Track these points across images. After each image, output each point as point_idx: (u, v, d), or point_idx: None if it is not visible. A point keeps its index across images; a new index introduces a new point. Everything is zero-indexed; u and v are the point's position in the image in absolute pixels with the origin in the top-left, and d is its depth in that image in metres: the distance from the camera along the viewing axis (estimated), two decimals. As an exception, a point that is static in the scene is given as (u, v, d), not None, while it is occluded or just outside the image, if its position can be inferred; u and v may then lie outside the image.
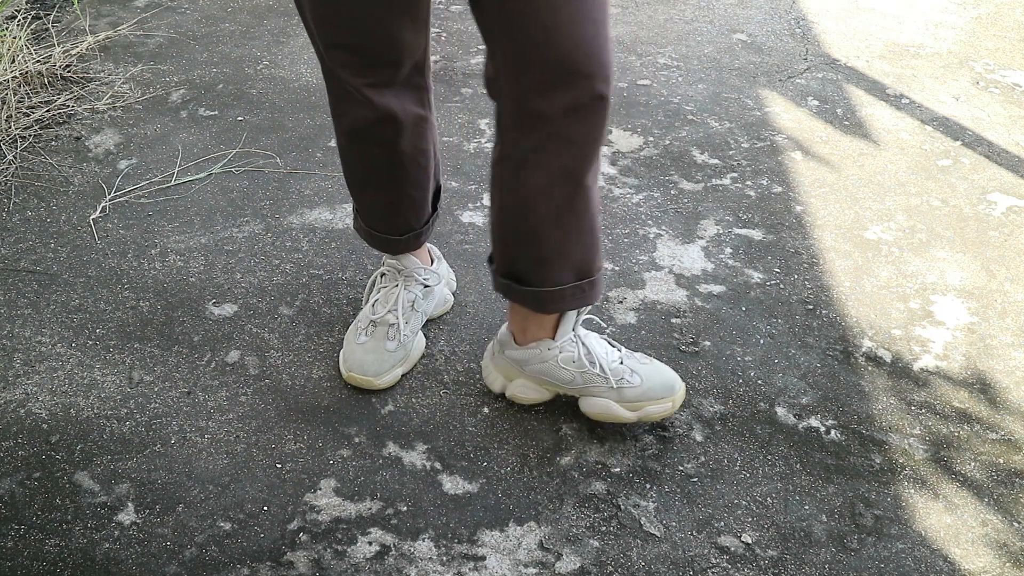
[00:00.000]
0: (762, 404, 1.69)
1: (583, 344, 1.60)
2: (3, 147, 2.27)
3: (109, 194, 2.14)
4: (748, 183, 2.24)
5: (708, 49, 2.79)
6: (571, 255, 1.49)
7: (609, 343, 1.64)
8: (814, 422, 1.66)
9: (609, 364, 1.59)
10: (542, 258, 1.50)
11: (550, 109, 1.33)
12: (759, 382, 1.73)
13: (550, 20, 1.26)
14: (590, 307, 1.64)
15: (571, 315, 1.60)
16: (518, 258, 1.53)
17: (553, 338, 1.60)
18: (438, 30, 2.81)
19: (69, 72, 2.55)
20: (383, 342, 1.68)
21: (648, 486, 1.55)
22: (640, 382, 1.59)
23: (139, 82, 2.54)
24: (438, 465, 1.58)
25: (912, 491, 1.55)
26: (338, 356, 1.74)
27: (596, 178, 1.45)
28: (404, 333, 1.69)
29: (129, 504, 1.50)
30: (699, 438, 1.63)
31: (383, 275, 1.75)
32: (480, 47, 2.75)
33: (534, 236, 1.47)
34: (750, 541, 1.47)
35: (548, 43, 1.27)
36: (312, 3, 1.40)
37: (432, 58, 2.68)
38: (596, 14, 1.29)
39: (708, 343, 1.81)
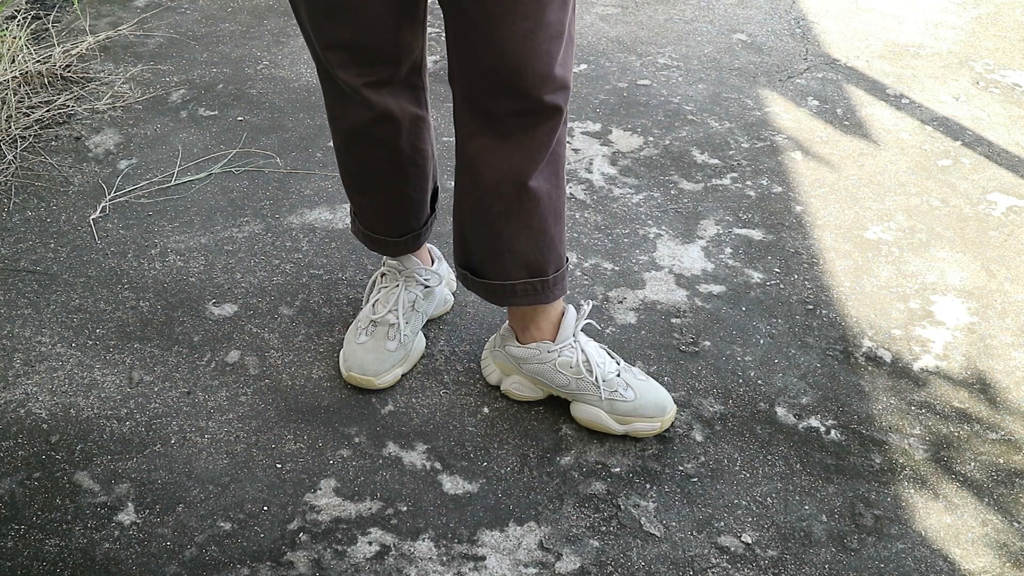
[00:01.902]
0: (762, 404, 1.69)
1: (582, 351, 1.61)
2: (3, 147, 2.27)
3: (109, 194, 2.14)
4: (748, 183, 2.24)
5: (708, 49, 2.79)
6: (521, 252, 1.54)
7: (609, 354, 1.65)
8: (814, 422, 1.66)
9: (605, 375, 1.60)
10: (493, 251, 1.55)
11: (498, 111, 1.41)
12: (759, 382, 1.73)
13: (505, 33, 1.32)
14: (587, 312, 1.65)
15: (570, 320, 1.62)
16: (472, 250, 1.58)
17: (552, 341, 1.61)
18: (438, 30, 2.81)
19: (69, 72, 2.55)
20: (383, 342, 1.68)
21: (648, 486, 1.55)
22: (633, 397, 1.60)
23: (139, 82, 2.54)
24: (438, 465, 1.58)
25: (912, 491, 1.55)
26: (338, 356, 1.74)
27: (555, 182, 1.50)
28: (404, 333, 1.69)
29: (129, 504, 1.50)
30: (699, 438, 1.63)
31: (383, 275, 1.75)
32: (480, 47, 2.75)
33: (486, 230, 1.53)
34: (750, 541, 1.47)
35: (500, 55, 1.34)
36: (309, 4, 1.40)
37: (431, 58, 2.68)
38: (554, 29, 1.35)
39: (708, 343, 1.81)
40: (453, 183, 1.57)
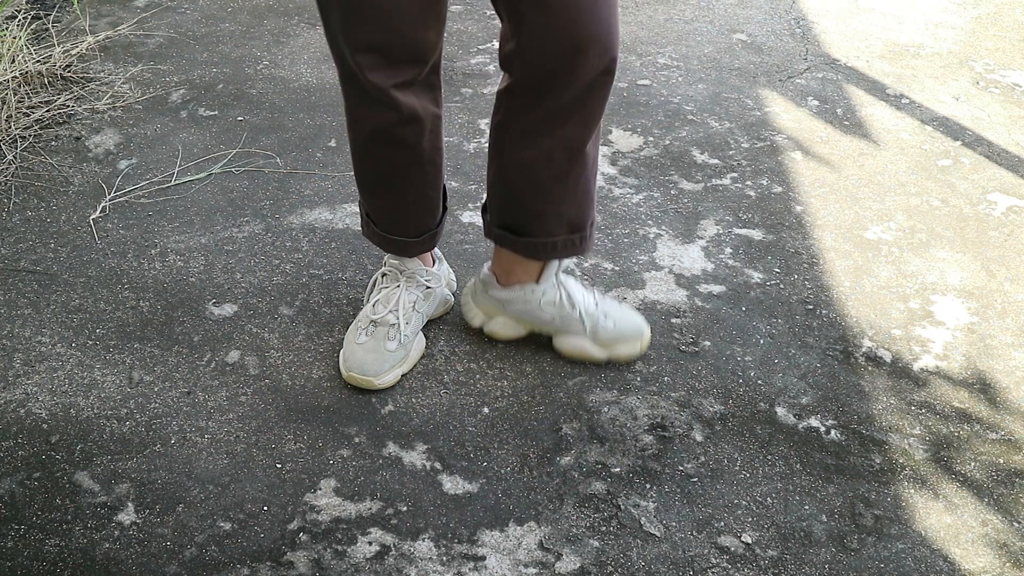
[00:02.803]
0: (762, 404, 1.69)
1: (564, 288, 1.71)
2: (3, 147, 2.27)
3: (109, 194, 2.14)
4: (748, 183, 2.24)
5: (708, 49, 2.79)
6: (565, 211, 1.61)
7: (584, 286, 1.74)
8: (814, 422, 1.66)
9: (586, 307, 1.71)
10: (538, 212, 1.61)
11: (561, 87, 1.45)
12: (759, 382, 1.73)
13: (575, 7, 1.37)
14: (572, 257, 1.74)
15: (554, 263, 1.71)
16: (516, 212, 1.63)
17: (537, 283, 1.69)
18: (438, 30, 2.81)
19: (69, 72, 2.55)
20: (383, 342, 1.68)
21: (648, 486, 1.55)
22: (613, 325, 1.72)
23: (139, 82, 2.54)
24: (438, 465, 1.58)
25: (912, 491, 1.55)
26: (338, 356, 1.74)
27: (597, 143, 1.58)
28: (404, 334, 1.69)
29: (129, 504, 1.50)
30: (699, 438, 1.63)
31: (384, 275, 1.75)
32: (480, 47, 2.75)
33: (533, 194, 1.59)
34: (750, 541, 1.47)
35: (576, 20, 1.38)
36: (343, 7, 1.41)
37: (432, 58, 2.68)
38: None
39: (708, 343, 1.81)
40: (489, 151, 1.62)
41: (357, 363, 1.68)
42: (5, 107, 2.37)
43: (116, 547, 1.44)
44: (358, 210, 1.78)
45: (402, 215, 1.67)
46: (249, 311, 1.86)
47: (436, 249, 1.84)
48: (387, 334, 1.69)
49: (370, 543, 1.46)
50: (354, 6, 1.40)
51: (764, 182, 2.24)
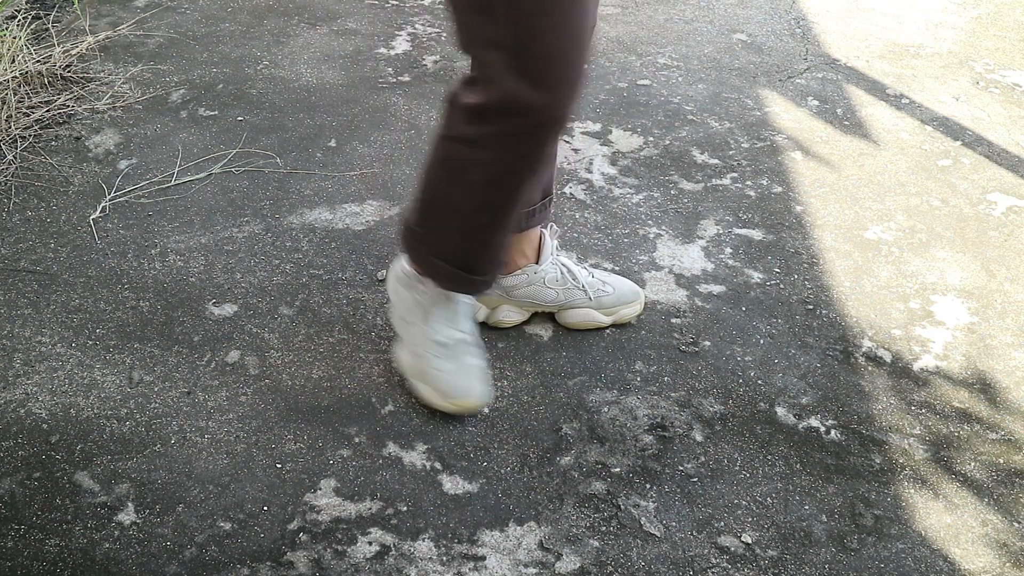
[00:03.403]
0: (762, 404, 1.69)
1: (563, 265, 1.77)
2: (3, 147, 2.27)
3: (109, 194, 2.14)
4: (748, 183, 2.24)
5: (708, 49, 2.79)
6: (542, 177, 1.66)
7: (574, 261, 1.85)
8: (814, 422, 1.66)
9: (586, 279, 1.78)
10: None
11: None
12: (759, 382, 1.73)
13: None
14: (557, 232, 1.80)
15: (549, 240, 1.76)
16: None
17: (538, 262, 1.74)
18: (437, 30, 2.81)
19: (69, 72, 2.55)
20: (463, 359, 1.63)
21: (648, 486, 1.55)
22: (613, 290, 1.79)
23: (139, 82, 2.54)
24: (438, 465, 1.58)
25: (912, 491, 1.55)
26: (408, 385, 1.66)
27: None
28: (474, 343, 1.66)
29: (129, 504, 1.50)
30: (699, 438, 1.63)
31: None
32: (480, 47, 2.75)
33: None
34: (750, 541, 1.47)
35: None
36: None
37: (432, 58, 2.68)
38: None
39: (708, 343, 1.81)
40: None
41: (459, 389, 1.61)
42: (5, 107, 2.37)
43: (116, 547, 1.44)
44: (414, 258, 1.61)
45: (503, 250, 1.57)
46: (249, 311, 1.86)
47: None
48: (464, 351, 1.64)
49: (370, 543, 1.46)
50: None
51: (764, 182, 2.24)
